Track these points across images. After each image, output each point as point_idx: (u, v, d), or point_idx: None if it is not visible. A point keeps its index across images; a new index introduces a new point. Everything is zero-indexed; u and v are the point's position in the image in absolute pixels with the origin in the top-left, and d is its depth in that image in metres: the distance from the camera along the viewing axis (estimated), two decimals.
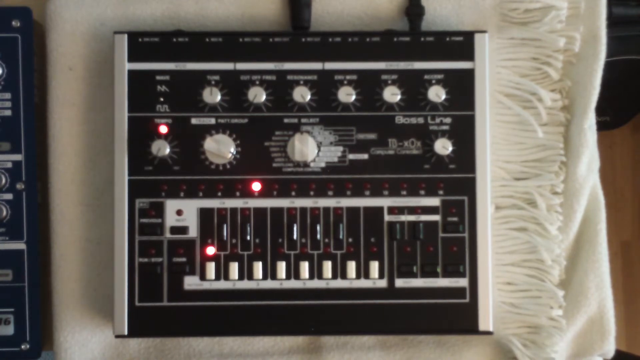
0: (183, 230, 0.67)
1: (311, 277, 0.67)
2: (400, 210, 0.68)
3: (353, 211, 0.68)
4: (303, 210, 0.68)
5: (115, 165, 0.67)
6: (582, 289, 0.71)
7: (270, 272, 0.67)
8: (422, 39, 0.68)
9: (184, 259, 0.67)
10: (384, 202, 0.68)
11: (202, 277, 0.67)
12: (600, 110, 0.72)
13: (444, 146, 0.67)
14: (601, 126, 0.73)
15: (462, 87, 0.68)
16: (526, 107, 0.71)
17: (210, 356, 0.71)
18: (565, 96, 0.72)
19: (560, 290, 0.70)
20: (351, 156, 0.68)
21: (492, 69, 0.71)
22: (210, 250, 0.67)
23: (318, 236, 0.67)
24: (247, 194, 0.68)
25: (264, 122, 0.68)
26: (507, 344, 0.71)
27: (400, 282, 0.68)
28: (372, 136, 0.68)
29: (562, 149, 0.71)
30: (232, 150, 0.67)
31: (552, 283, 0.71)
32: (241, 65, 0.68)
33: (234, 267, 0.67)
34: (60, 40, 0.70)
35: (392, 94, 0.67)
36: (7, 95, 0.69)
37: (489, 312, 0.68)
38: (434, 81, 0.68)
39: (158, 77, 0.67)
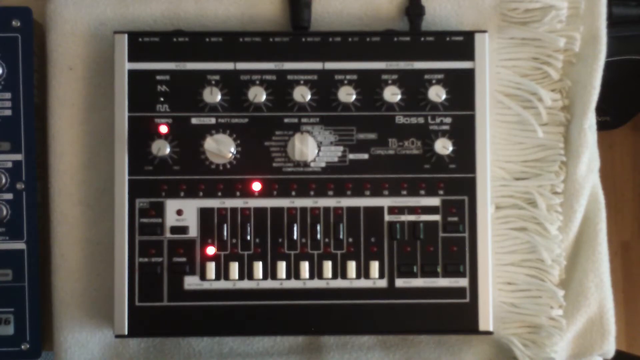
0: (183, 230, 0.67)
1: (311, 277, 0.67)
2: (400, 210, 0.68)
3: (353, 211, 0.68)
4: (303, 210, 0.68)
5: (115, 165, 0.67)
6: (582, 289, 0.71)
7: (270, 272, 0.67)
8: (422, 38, 0.68)
9: (184, 259, 0.67)
10: (384, 202, 0.68)
11: (202, 277, 0.67)
12: (600, 110, 0.72)
13: (444, 146, 0.67)
14: (601, 126, 0.73)
15: (462, 87, 0.68)
16: (526, 107, 0.71)
17: (210, 356, 0.71)
18: (565, 96, 0.72)
19: (560, 290, 0.70)
20: (351, 156, 0.68)
21: (492, 68, 0.71)
22: (211, 250, 0.67)
23: (318, 236, 0.67)
24: (247, 193, 0.68)
25: (264, 121, 0.68)
26: (507, 343, 0.71)
27: (400, 282, 0.68)
28: (372, 136, 0.68)
29: (562, 149, 0.71)
30: (232, 150, 0.67)
31: (552, 283, 0.71)
32: (241, 65, 0.68)
33: (234, 267, 0.67)
34: (60, 40, 0.70)
35: (392, 94, 0.67)
36: (7, 95, 0.69)
37: (489, 312, 0.68)
38: (434, 81, 0.68)
39: (158, 77, 0.67)
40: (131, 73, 0.67)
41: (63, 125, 0.70)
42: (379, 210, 0.68)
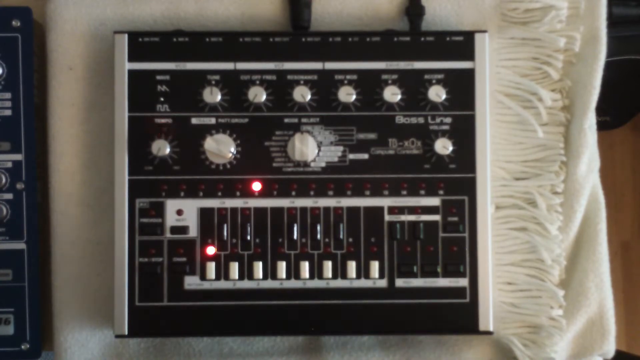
0: (183, 230, 0.67)
1: (311, 277, 0.67)
2: (400, 210, 0.68)
3: (353, 211, 0.68)
4: (303, 210, 0.68)
5: (115, 165, 0.67)
6: (582, 289, 0.71)
7: (270, 272, 0.67)
8: (422, 38, 0.68)
9: (184, 259, 0.67)
10: (384, 202, 0.68)
11: (202, 277, 0.67)
12: (600, 110, 0.72)
13: (444, 146, 0.67)
14: (601, 126, 0.73)
15: (463, 87, 0.68)
16: (526, 107, 0.71)
17: (210, 356, 0.71)
18: (565, 96, 0.72)
19: (560, 290, 0.70)
20: (351, 156, 0.68)
21: (492, 68, 0.71)
22: (211, 250, 0.67)
23: (318, 236, 0.67)
24: (247, 193, 0.68)
25: (264, 121, 0.68)
26: (508, 343, 0.71)
27: (400, 282, 0.68)
28: (372, 136, 0.68)
29: (562, 149, 0.71)
30: (232, 150, 0.67)
31: (552, 283, 0.71)
32: (241, 65, 0.68)
33: (234, 267, 0.67)
34: (60, 40, 0.70)
35: (392, 94, 0.67)
36: (7, 95, 0.69)
37: (489, 312, 0.68)
38: (434, 81, 0.68)
39: (158, 77, 0.67)
40: (131, 73, 0.67)
41: (63, 125, 0.70)
42: (379, 210, 0.68)
